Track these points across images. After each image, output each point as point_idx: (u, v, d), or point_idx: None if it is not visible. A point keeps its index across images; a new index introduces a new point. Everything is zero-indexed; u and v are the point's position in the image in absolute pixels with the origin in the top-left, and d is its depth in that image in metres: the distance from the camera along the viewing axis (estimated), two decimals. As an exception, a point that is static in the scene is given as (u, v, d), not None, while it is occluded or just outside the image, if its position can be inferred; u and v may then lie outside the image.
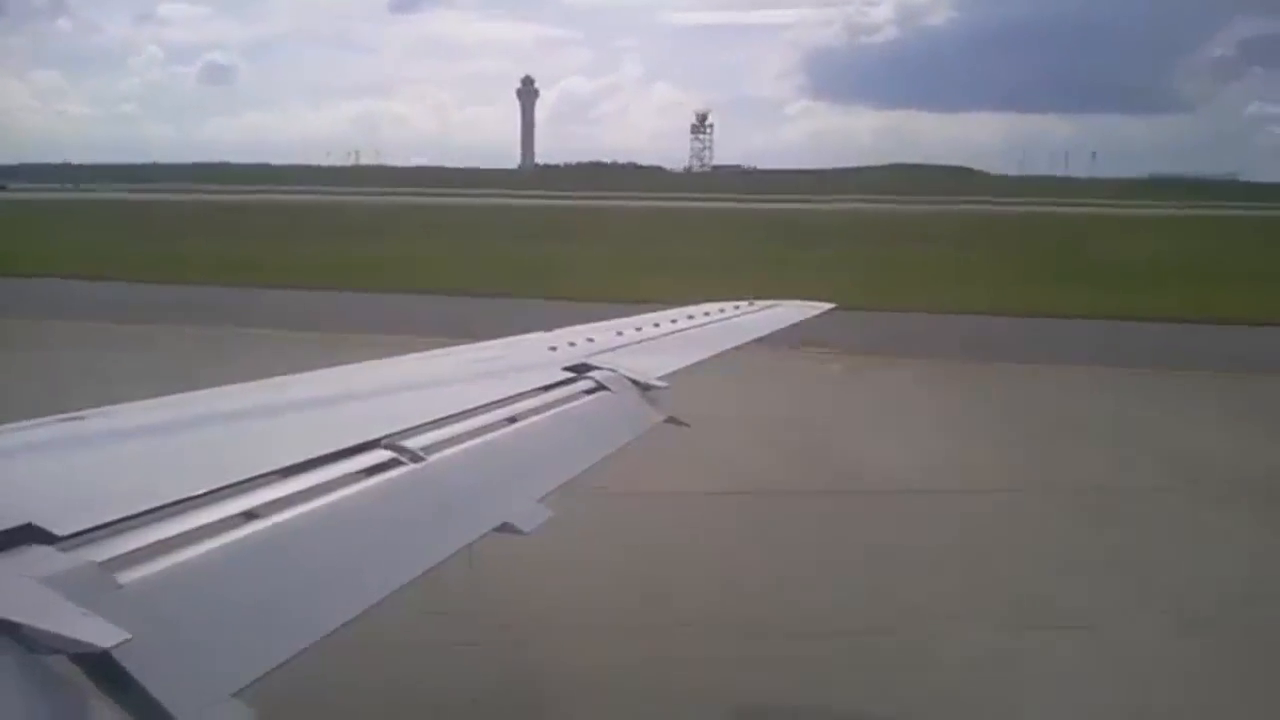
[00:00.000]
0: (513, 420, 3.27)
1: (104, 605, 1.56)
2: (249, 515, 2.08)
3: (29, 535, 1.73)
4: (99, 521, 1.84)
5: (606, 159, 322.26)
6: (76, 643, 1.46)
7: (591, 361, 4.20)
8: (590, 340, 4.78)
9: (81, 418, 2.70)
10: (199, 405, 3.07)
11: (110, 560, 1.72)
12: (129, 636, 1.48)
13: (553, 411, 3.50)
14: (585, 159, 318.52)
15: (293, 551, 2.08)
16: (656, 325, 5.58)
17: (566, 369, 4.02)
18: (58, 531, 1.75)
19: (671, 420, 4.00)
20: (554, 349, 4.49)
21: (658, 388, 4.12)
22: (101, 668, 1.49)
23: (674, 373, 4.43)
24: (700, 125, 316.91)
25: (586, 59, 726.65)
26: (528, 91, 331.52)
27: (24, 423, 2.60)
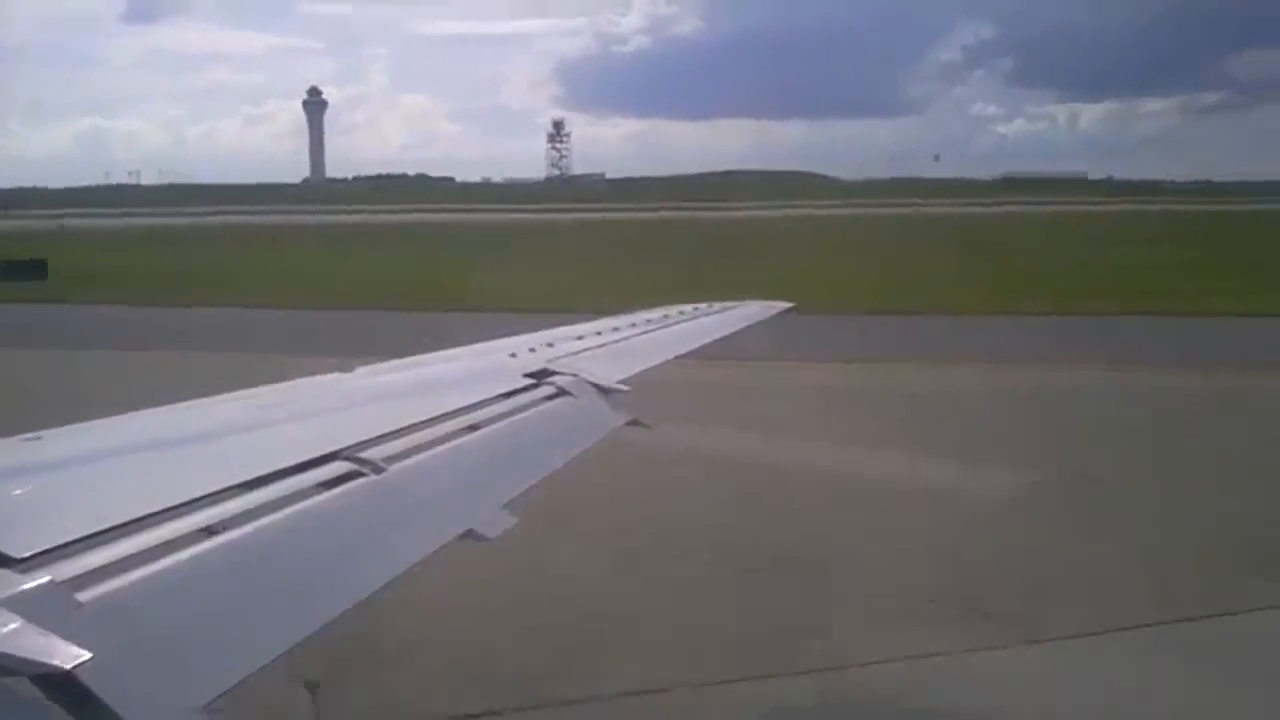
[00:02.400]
0: (474, 428, 3.27)
1: (65, 625, 1.55)
2: (209, 531, 2.07)
3: None
4: (57, 542, 1.83)
5: (377, 171, 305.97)
6: (37, 664, 1.45)
7: (553, 367, 4.21)
8: (550, 346, 4.79)
9: (38, 438, 2.67)
10: (156, 422, 3.05)
11: (70, 580, 1.71)
12: (90, 656, 1.48)
13: (514, 418, 3.51)
14: (355, 172, 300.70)
15: (254, 566, 2.08)
16: (617, 329, 5.60)
17: (527, 375, 4.03)
18: (15, 554, 1.74)
19: (634, 423, 4.02)
20: (514, 356, 4.50)
21: (619, 391, 4.14)
22: (64, 688, 1.48)
23: (636, 375, 4.45)
24: (557, 134, 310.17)
25: (330, 69, 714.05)
26: (315, 103, 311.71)
27: None
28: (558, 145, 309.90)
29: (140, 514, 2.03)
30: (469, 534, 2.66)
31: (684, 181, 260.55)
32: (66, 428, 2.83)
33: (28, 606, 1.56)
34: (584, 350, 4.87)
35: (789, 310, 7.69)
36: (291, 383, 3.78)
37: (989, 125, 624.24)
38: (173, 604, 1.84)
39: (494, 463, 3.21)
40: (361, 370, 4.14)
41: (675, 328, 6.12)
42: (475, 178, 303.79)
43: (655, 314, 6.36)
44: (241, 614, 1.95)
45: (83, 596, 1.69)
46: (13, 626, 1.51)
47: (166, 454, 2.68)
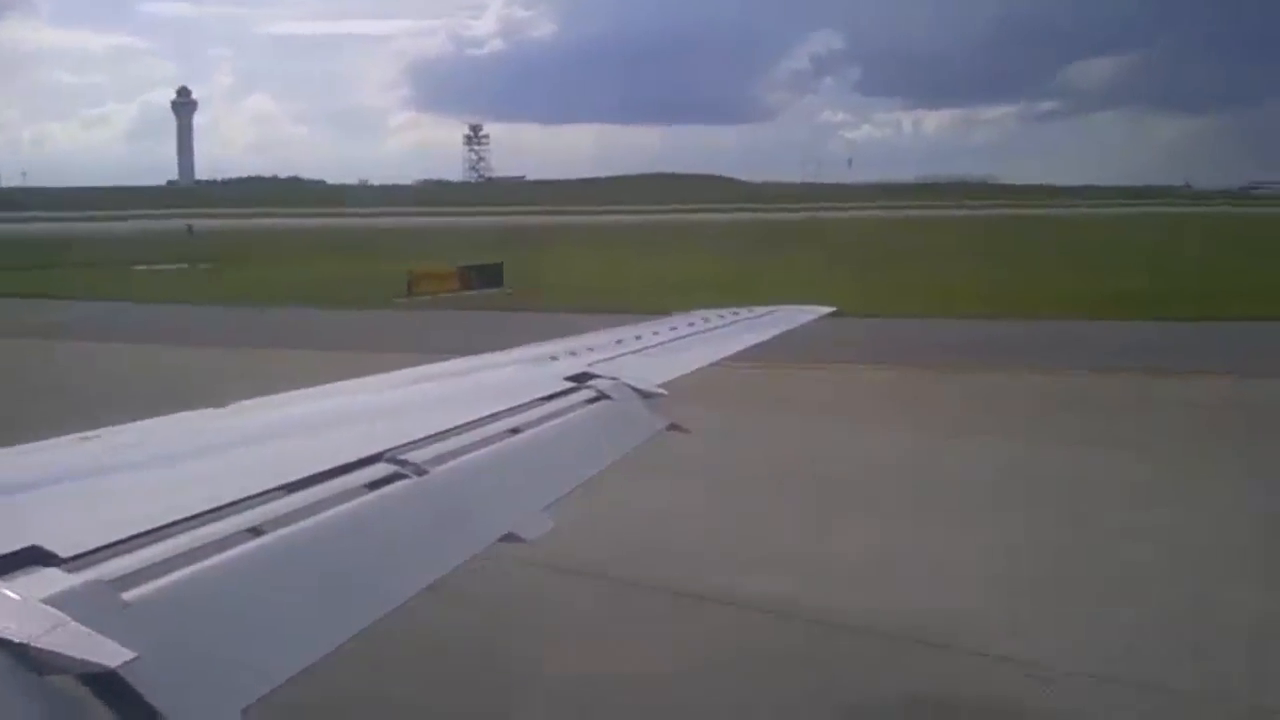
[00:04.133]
0: (515, 431, 3.27)
1: (111, 624, 1.55)
2: (254, 531, 2.08)
3: (35, 557, 1.73)
4: (104, 541, 1.84)
5: (236, 174, 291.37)
6: (84, 663, 1.46)
7: (593, 370, 4.20)
8: (591, 349, 4.78)
9: (85, 438, 2.70)
10: (201, 423, 3.07)
11: (116, 580, 1.72)
12: (136, 655, 1.48)
13: (555, 421, 3.50)
14: (209, 174, 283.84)
15: (298, 566, 2.08)
16: (656, 333, 5.57)
17: (568, 379, 4.02)
18: (63, 552, 1.75)
19: (674, 427, 3.99)
20: (555, 359, 4.50)
21: (659, 395, 4.11)
22: (109, 687, 1.49)
23: (675, 380, 4.43)
24: (475, 136, 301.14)
25: (171, 71, 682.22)
26: (184, 104, 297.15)
27: (28, 445, 2.60)
28: (475, 148, 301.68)
29: (186, 514, 2.04)
30: (509, 536, 2.65)
31: (609, 184, 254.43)
32: (115, 428, 2.86)
33: (75, 605, 1.57)
34: (623, 354, 4.86)
35: (831, 314, 7.62)
36: (335, 384, 3.80)
37: (838, 131, 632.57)
38: (218, 604, 1.84)
39: (535, 466, 3.20)
40: (404, 373, 4.15)
41: (715, 331, 6.08)
42: (333, 180, 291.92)
43: (694, 317, 6.33)
44: (286, 614, 1.95)
45: (129, 596, 1.69)
46: (60, 625, 1.51)
47: (213, 455, 2.70)
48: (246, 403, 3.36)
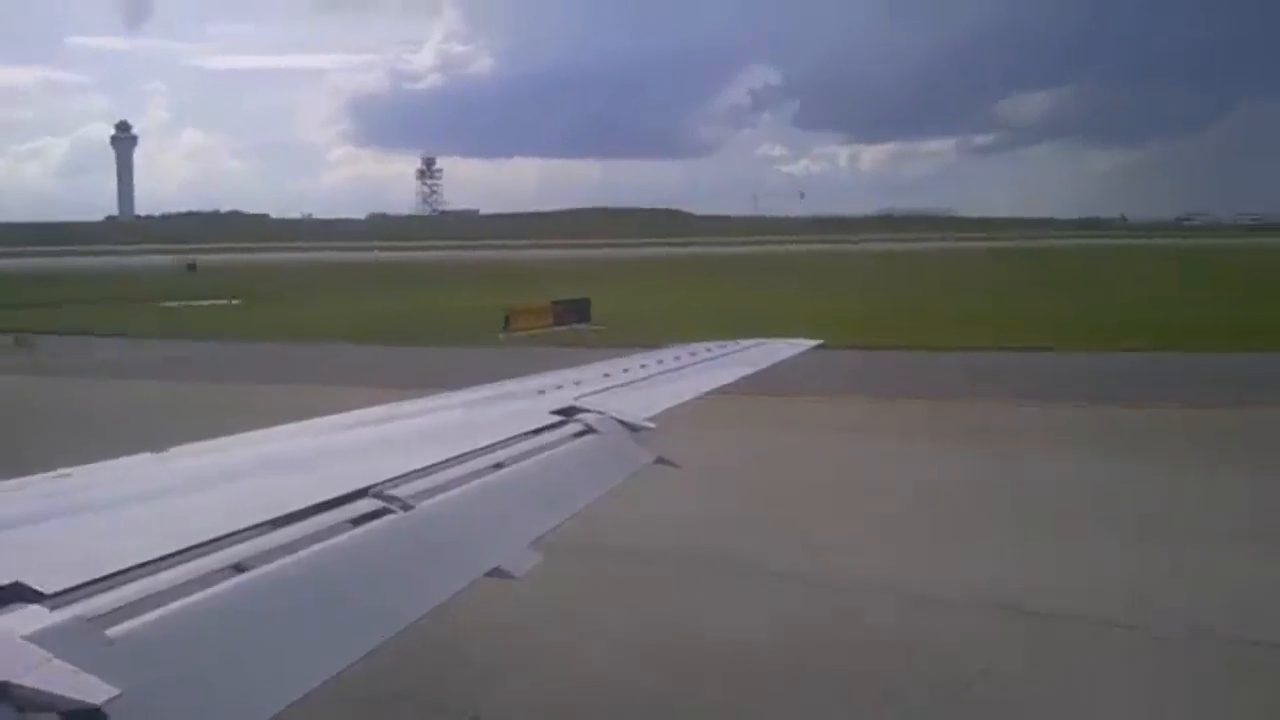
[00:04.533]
0: (501, 465, 3.27)
1: (94, 661, 1.55)
2: (238, 568, 2.08)
3: (17, 594, 1.73)
4: (87, 578, 1.84)
5: (177, 209, 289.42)
6: (67, 700, 1.46)
7: (580, 404, 4.21)
8: (578, 383, 4.80)
9: (68, 475, 2.69)
10: (187, 460, 3.07)
11: (100, 617, 1.72)
12: (119, 692, 1.48)
13: (541, 456, 3.50)
14: (154, 210, 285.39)
15: (282, 603, 2.07)
16: (644, 366, 5.60)
17: (554, 412, 4.03)
18: (46, 589, 1.75)
19: (661, 461, 4.00)
20: (542, 393, 4.51)
21: (646, 428, 4.12)
22: None
23: (662, 413, 4.44)
24: (428, 170, 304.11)
25: (105, 105, 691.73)
26: (124, 139, 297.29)
27: (10, 482, 2.60)
28: (428, 181, 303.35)
29: (170, 550, 2.04)
30: (496, 571, 2.64)
31: (565, 217, 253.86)
32: (97, 464, 2.85)
33: (58, 642, 1.57)
34: (611, 387, 4.87)
35: (816, 347, 7.65)
36: (321, 419, 3.80)
37: (776, 165, 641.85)
38: (201, 640, 1.84)
39: (521, 500, 3.20)
40: (391, 407, 4.15)
41: (701, 365, 6.11)
42: (276, 214, 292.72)
43: (682, 351, 6.36)
44: (270, 651, 1.95)
45: (113, 633, 1.69)
46: (43, 662, 1.51)
47: (198, 490, 2.70)
48: (231, 438, 3.36)
